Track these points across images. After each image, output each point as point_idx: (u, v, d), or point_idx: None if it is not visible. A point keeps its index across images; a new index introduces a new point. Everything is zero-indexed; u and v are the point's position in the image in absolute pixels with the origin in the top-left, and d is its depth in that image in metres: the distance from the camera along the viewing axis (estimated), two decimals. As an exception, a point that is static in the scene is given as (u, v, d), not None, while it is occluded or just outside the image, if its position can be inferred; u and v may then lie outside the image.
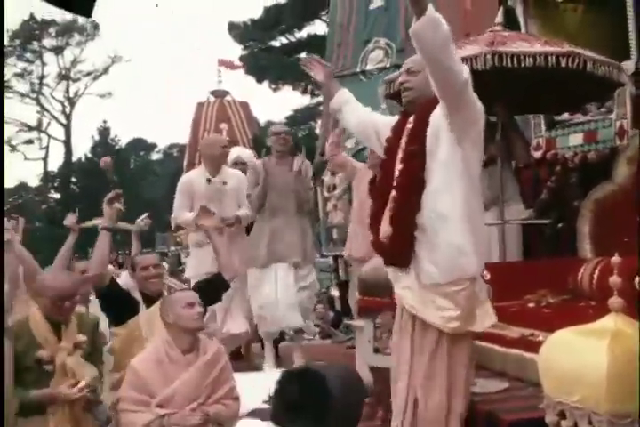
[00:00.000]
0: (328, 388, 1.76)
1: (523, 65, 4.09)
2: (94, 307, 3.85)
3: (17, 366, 2.95)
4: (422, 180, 2.81)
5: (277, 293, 4.91)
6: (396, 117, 3.17)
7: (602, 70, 4.25)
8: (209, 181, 5.09)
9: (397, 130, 3.05)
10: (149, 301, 3.46)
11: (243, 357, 5.52)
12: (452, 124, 2.76)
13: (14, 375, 2.91)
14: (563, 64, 4.11)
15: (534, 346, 3.12)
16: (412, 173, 2.85)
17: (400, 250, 2.88)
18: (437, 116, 2.82)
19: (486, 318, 2.90)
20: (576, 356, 2.37)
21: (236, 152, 6.23)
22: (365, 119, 3.29)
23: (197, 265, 5.08)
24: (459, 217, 2.77)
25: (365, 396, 1.99)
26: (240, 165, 5.82)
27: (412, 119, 2.97)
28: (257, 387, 3.10)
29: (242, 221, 5.19)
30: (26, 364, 3.00)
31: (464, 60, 3.92)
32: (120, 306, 3.47)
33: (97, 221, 4.39)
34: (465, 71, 2.68)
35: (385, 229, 2.93)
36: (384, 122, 3.22)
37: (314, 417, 1.76)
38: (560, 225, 5.02)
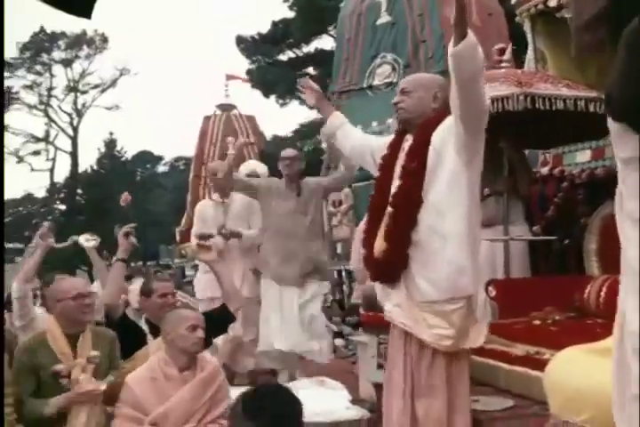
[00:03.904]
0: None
1: (554, 108, 4.20)
2: None
3: (36, 380, 2.99)
4: (420, 197, 2.83)
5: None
6: (391, 137, 3.19)
7: None
8: (217, 205, 5.45)
9: (394, 147, 3.07)
10: (156, 331, 3.37)
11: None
12: (465, 147, 2.78)
13: (35, 388, 2.97)
14: (591, 109, 4.23)
15: (540, 364, 3.08)
16: (409, 190, 2.86)
17: (393, 266, 2.88)
18: (442, 137, 2.84)
19: (480, 337, 2.89)
20: (584, 374, 2.34)
21: (252, 166, 6.62)
22: (360, 143, 3.32)
23: (204, 289, 5.27)
24: (460, 237, 2.78)
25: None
26: (255, 177, 5.96)
27: (409, 137, 3.00)
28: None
29: (243, 239, 5.27)
30: (43, 378, 3.01)
31: (494, 99, 4.07)
32: (130, 339, 3.41)
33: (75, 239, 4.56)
34: (487, 99, 2.77)
35: (379, 244, 2.93)
36: (379, 143, 3.23)
37: None
38: (567, 242, 4.98)
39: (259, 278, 5.13)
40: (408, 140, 2.99)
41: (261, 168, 6.47)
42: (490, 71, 4.79)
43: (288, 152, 5.08)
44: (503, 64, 4.83)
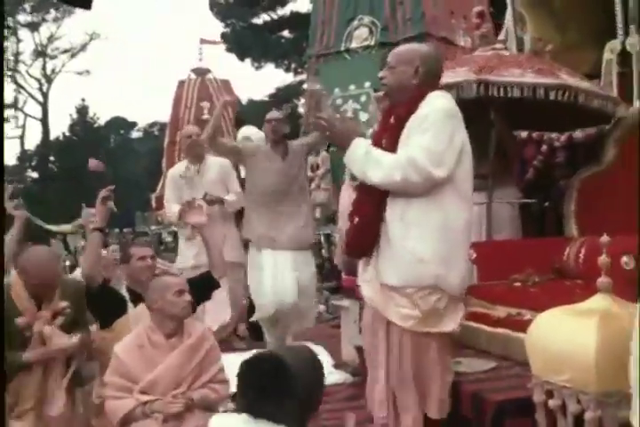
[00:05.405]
0: (288, 370, 1.86)
1: (509, 95, 4.09)
2: None
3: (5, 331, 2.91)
4: None
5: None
6: None
7: (595, 103, 4.26)
8: (188, 170, 5.35)
9: (382, 124, 3.02)
10: (137, 299, 3.33)
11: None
12: None
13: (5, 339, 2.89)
14: (552, 96, 4.10)
15: (521, 325, 3.12)
16: None
17: (358, 242, 2.88)
18: (412, 127, 2.77)
19: (451, 322, 2.83)
20: (565, 335, 2.37)
21: (245, 130, 6.71)
22: None
23: (186, 258, 5.25)
24: (425, 228, 2.72)
25: (322, 375, 2.04)
26: (249, 141, 6.03)
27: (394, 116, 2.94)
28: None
29: (226, 205, 5.25)
30: (10, 329, 2.95)
31: (449, 87, 3.93)
32: (110, 308, 3.35)
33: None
34: (394, 170, 2.69)
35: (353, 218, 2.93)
36: None
37: (275, 399, 1.85)
38: (546, 204, 5.01)
39: (247, 246, 5.11)
40: (392, 118, 2.92)
41: (253, 132, 6.45)
42: (471, 55, 4.71)
43: (274, 114, 5.00)
44: (498, 45, 4.75)
